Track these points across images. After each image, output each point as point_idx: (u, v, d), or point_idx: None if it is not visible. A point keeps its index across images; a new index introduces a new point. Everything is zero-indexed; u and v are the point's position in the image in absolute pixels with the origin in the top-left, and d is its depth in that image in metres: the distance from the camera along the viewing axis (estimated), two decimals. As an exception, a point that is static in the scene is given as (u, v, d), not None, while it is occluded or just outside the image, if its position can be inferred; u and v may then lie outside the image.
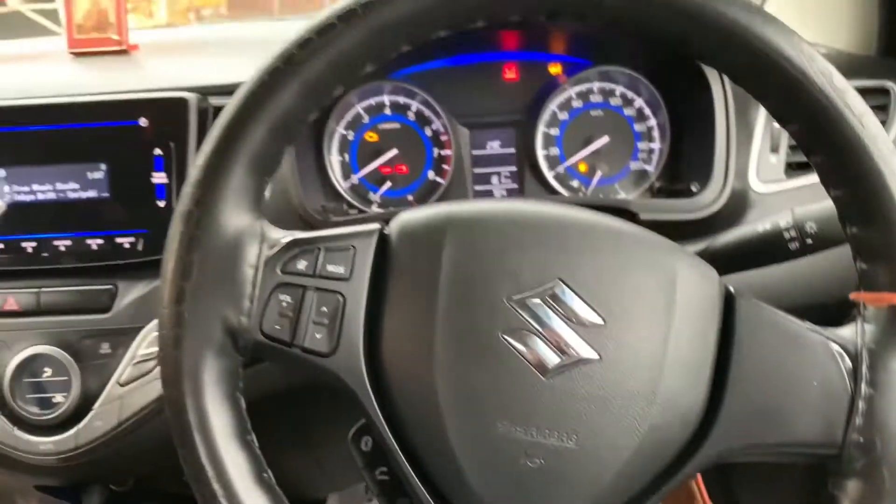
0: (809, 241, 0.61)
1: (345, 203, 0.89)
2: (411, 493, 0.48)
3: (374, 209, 0.90)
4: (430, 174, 0.90)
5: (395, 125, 0.89)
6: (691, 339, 0.48)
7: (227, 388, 0.47)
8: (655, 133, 0.89)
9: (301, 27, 0.47)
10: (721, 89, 0.81)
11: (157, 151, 0.78)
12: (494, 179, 0.91)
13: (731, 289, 0.50)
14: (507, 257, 0.47)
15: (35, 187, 0.79)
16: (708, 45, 0.47)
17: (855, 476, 0.47)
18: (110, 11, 0.94)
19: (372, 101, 0.89)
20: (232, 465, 0.46)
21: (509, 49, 0.90)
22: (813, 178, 0.81)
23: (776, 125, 0.80)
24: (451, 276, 0.48)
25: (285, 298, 0.48)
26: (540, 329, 0.46)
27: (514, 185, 0.91)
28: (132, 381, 0.77)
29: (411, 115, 0.89)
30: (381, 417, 0.48)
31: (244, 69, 0.85)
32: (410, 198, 0.90)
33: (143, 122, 0.78)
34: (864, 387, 0.47)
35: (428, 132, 0.89)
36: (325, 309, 0.48)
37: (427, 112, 0.89)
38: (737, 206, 0.79)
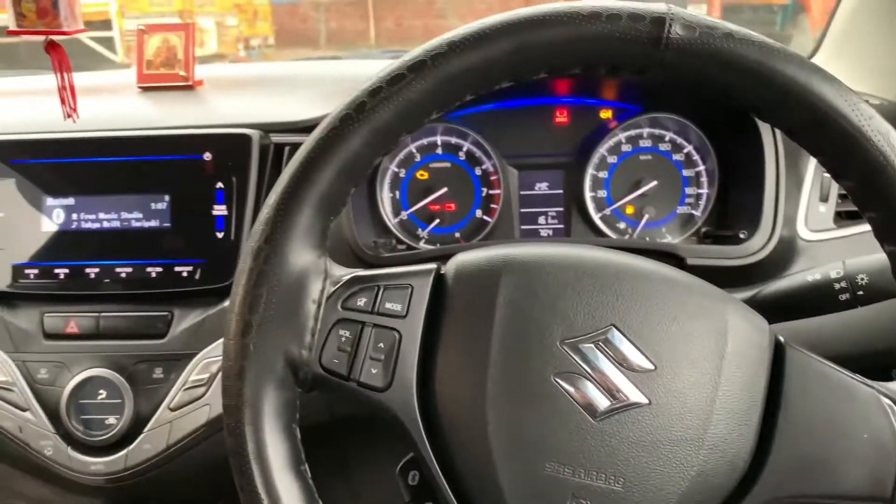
0: (860, 293, 0.61)
1: (394, 238, 0.90)
2: None
3: (423, 245, 0.91)
4: (478, 213, 0.91)
5: (446, 164, 0.91)
6: (740, 387, 0.48)
7: (286, 419, 0.48)
8: (704, 179, 0.89)
9: (372, 75, 0.49)
10: (772, 138, 0.81)
11: (219, 185, 0.81)
12: (541, 219, 0.92)
13: (781, 339, 0.50)
14: (561, 301, 0.48)
15: (101, 216, 0.82)
16: (765, 101, 0.47)
17: None
18: (179, 49, 0.98)
19: (425, 140, 0.91)
20: (286, 494, 0.47)
21: (561, 94, 0.92)
22: (862, 227, 0.81)
23: (826, 174, 0.80)
24: (506, 317, 0.48)
25: (344, 333, 0.50)
26: (591, 372, 0.47)
27: (561, 226, 0.92)
28: (182, 406, 0.79)
29: (462, 155, 0.91)
30: (430, 453, 0.49)
31: (303, 107, 0.89)
32: (458, 235, 0.92)
33: (207, 156, 0.81)
34: None
35: (478, 172, 0.91)
36: (381, 345, 0.49)
37: (478, 152, 0.91)
38: (784, 254, 0.79)
